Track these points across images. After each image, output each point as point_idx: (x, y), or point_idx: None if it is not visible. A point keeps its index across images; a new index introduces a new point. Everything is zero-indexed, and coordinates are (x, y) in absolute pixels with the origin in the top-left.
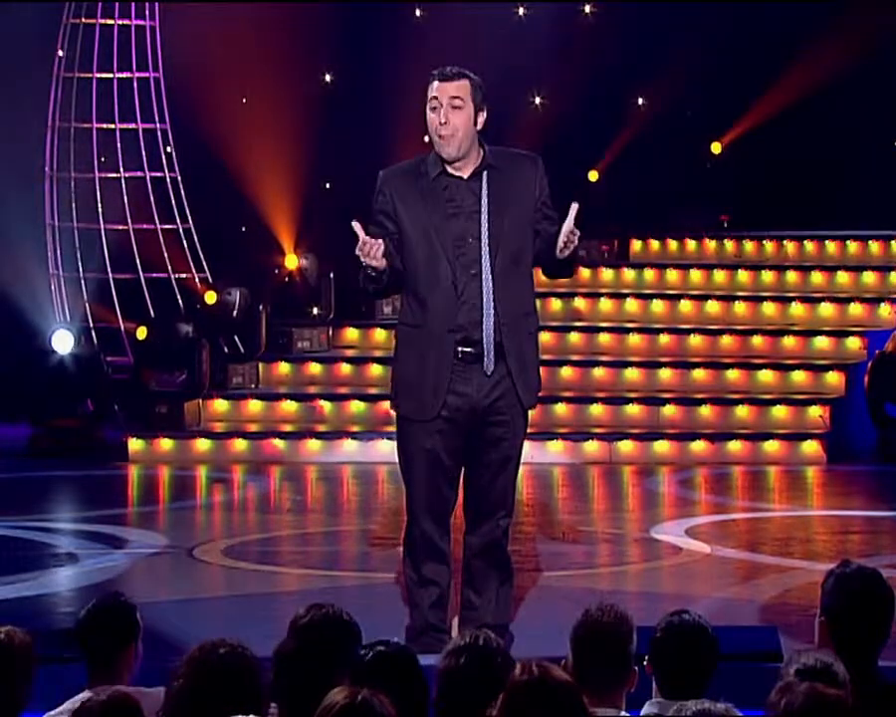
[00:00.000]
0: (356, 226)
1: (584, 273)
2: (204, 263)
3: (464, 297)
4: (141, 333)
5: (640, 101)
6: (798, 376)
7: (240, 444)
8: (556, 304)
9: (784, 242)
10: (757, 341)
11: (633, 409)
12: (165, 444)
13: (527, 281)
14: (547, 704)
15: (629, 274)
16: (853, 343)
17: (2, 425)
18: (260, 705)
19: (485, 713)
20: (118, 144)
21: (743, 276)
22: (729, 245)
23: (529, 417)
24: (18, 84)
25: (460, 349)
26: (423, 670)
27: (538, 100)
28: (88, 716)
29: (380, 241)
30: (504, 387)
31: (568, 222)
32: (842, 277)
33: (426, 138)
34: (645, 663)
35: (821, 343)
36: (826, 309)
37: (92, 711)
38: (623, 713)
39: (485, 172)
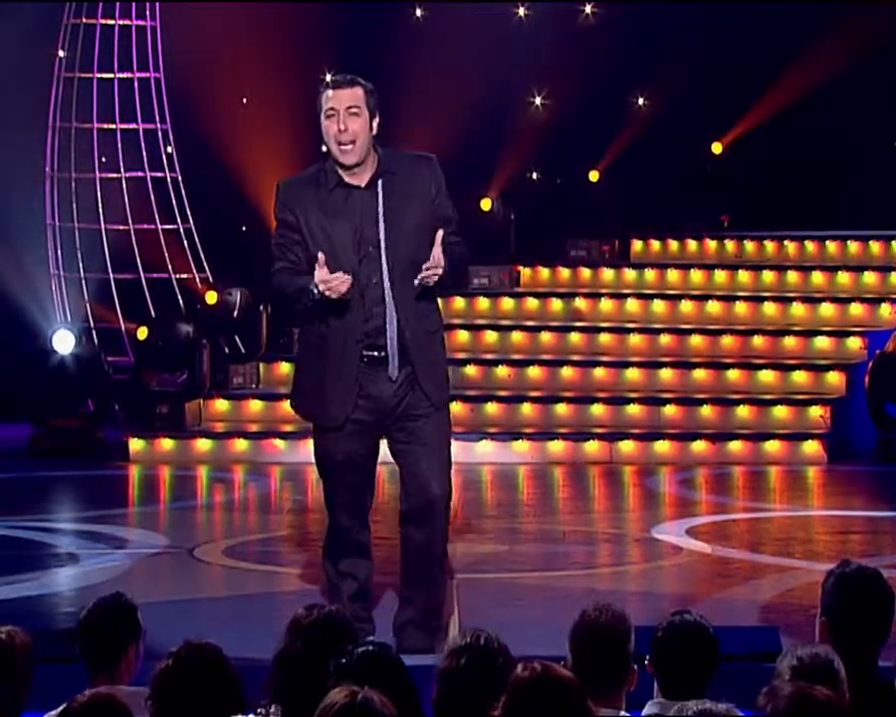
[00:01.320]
0: (321, 258)
1: (585, 273)
2: (205, 263)
3: (368, 304)
4: (142, 333)
5: (640, 101)
6: (799, 377)
7: (241, 444)
8: (556, 304)
9: (785, 242)
10: (757, 341)
11: (634, 409)
12: (166, 444)
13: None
14: (550, 701)
15: (630, 274)
16: (854, 343)
17: (3, 425)
18: (242, 706)
19: (486, 714)
20: (119, 145)
21: (743, 276)
22: (729, 245)
23: (450, 412)
24: (19, 84)
25: (365, 353)
26: (408, 670)
27: (538, 100)
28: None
29: (349, 277)
30: (409, 389)
31: (435, 250)
32: (843, 277)
33: (323, 148)
34: (646, 663)
35: (822, 343)
36: (827, 309)
37: (73, 712)
38: (624, 713)
39: (381, 180)
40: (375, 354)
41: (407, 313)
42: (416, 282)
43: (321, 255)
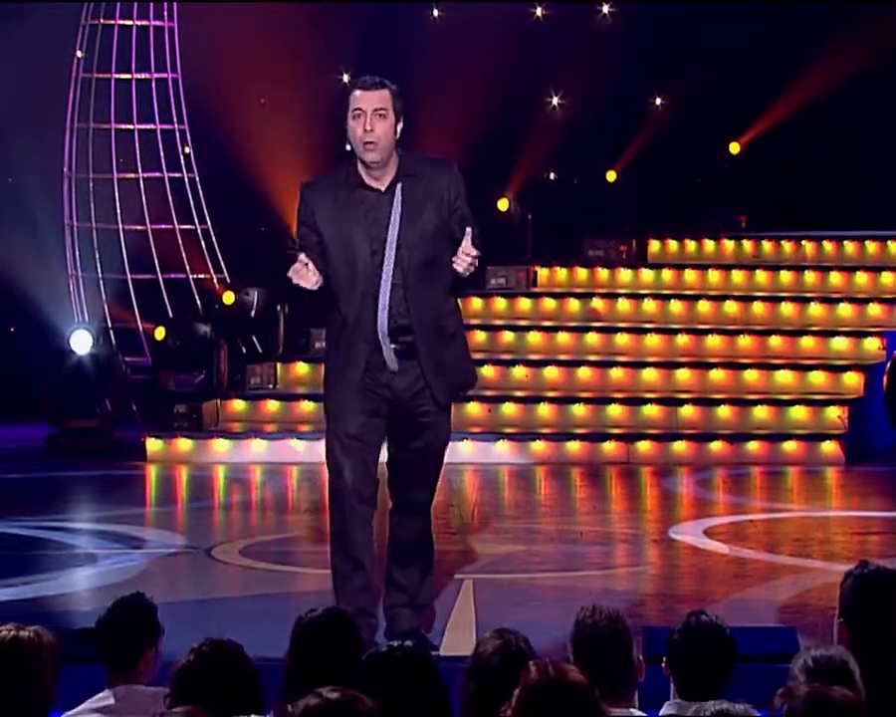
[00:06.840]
0: (303, 257)
1: (602, 273)
2: (222, 263)
3: (381, 305)
4: (160, 333)
5: (658, 101)
6: (817, 377)
7: (258, 444)
8: (573, 304)
9: (803, 242)
10: (775, 341)
11: (651, 410)
12: (183, 444)
13: (443, 286)
14: (562, 704)
15: (647, 274)
16: (872, 343)
17: (21, 425)
18: (260, 705)
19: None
20: (137, 145)
21: (761, 276)
22: (747, 245)
23: (451, 413)
24: (38, 86)
25: (392, 345)
26: (439, 669)
27: (555, 100)
28: None
29: (314, 271)
30: (420, 386)
31: (465, 244)
32: (861, 277)
33: (347, 147)
34: (663, 664)
35: (840, 343)
36: (845, 309)
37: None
38: (637, 712)
39: (400, 184)
40: (395, 346)
41: (422, 314)
42: (461, 270)
43: (301, 255)
